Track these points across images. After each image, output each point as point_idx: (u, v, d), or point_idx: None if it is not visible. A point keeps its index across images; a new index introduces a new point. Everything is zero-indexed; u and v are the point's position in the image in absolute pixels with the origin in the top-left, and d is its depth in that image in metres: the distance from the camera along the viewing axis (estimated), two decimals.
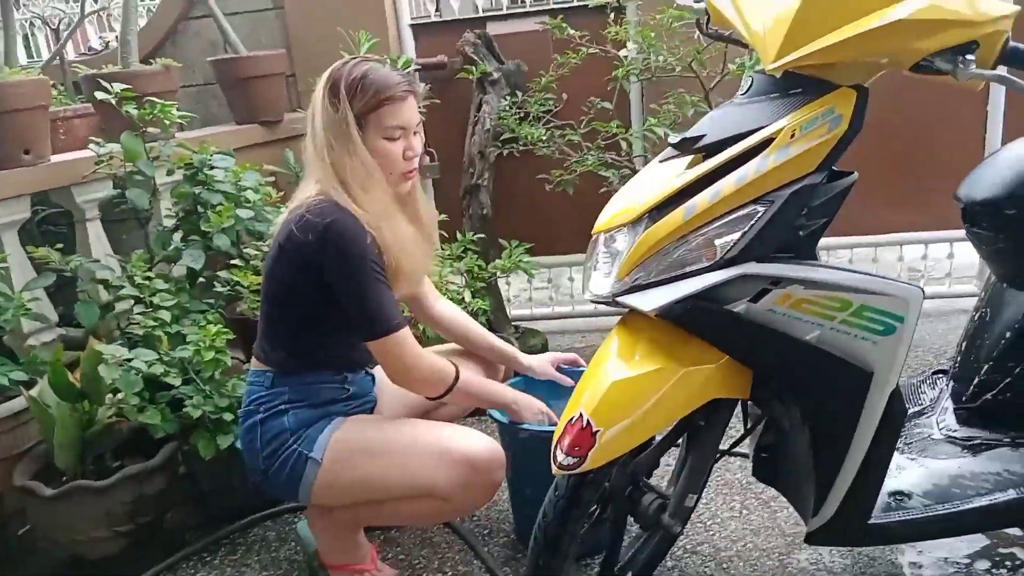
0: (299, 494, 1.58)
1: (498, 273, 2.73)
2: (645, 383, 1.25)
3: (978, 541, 1.66)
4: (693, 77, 2.63)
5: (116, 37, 3.20)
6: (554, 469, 1.27)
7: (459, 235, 2.74)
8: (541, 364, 1.86)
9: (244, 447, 1.62)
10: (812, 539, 1.40)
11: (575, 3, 3.01)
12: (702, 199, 1.21)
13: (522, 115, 2.89)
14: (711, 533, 1.81)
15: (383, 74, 1.56)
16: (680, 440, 1.58)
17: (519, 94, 2.95)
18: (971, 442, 1.50)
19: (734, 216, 1.20)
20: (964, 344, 1.60)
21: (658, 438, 1.55)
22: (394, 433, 1.59)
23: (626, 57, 2.63)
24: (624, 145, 2.74)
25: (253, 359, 1.66)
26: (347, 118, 1.53)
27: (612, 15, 2.68)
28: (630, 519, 1.45)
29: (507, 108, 2.91)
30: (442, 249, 2.59)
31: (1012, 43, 1.16)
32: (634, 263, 1.26)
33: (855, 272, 1.21)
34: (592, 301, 1.41)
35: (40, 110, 2.21)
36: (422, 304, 1.86)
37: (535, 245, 2.80)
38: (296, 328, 1.60)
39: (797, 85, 1.22)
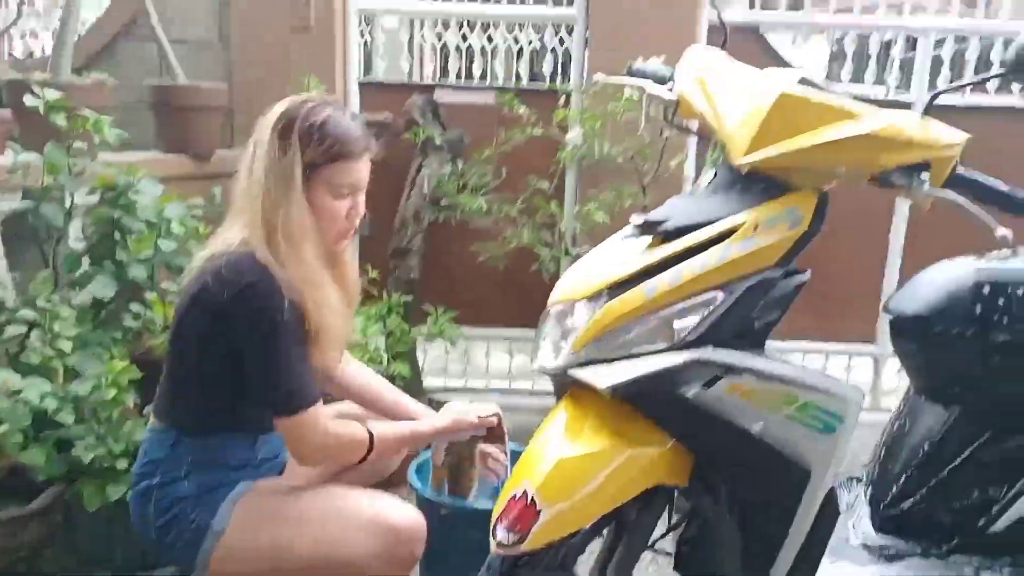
0: (196, 566, 1.44)
1: (422, 339, 2.68)
2: (592, 462, 1.22)
3: None
4: (630, 170, 2.72)
5: (43, 46, 3.04)
6: (493, 547, 1.21)
7: (385, 295, 2.68)
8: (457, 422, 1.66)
9: (135, 512, 1.48)
10: None
11: (524, 86, 3.10)
12: (662, 281, 1.22)
13: (461, 184, 2.90)
14: None
15: (344, 126, 1.44)
16: (606, 529, 1.56)
17: (459, 163, 2.96)
18: (886, 551, 1.54)
19: (694, 301, 1.22)
20: (883, 452, 1.66)
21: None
22: (309, 499, 1.47)
23: (572, 142, 2.70)
24: (562, 227, 2.78)
25: (152, 416, 1.52)
26: (293, 166, 1.39)
27: (563, 99, 2.76)
28: None
29: (447, 175, 2.91)
30: (365, 307, 2.52)
31: (960, 169, 1.25)
32: (590, 337, 1.25)
33: (803, 369, 1.24)
34: (542, 372, 1.39)
35: None
36: (335, 368, 1.66)
37: (457, 315, 2.78)
38: (204, 387, 1.46)
39: (760, 182, 1.27)
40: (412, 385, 2.77)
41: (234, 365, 1.41)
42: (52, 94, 1.99)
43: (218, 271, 1.37)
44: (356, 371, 1.74)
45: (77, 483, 1.68)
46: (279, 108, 1.43)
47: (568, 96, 2.83)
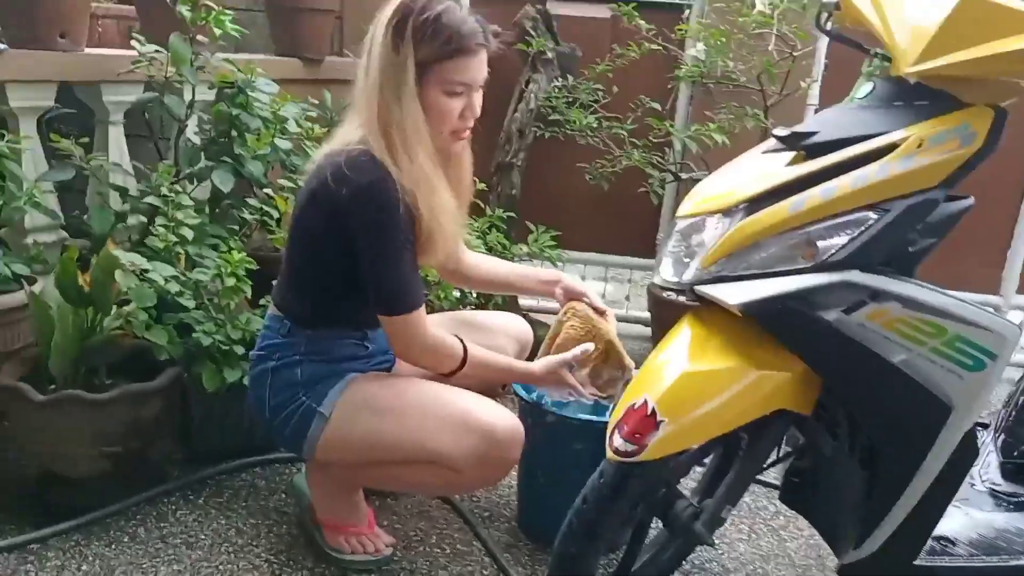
0: (303, 448, 1.49)
1: (522, 257, 2.65)
2: (718, 379, 1.18)
3: None
4: (751, 90, 2.58)
5: None
6: (608, 453, 1.19)
7: (487, 210, 2.65)
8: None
9: (252, 393, 1.54)
10: (848, 571, 1.34)
11: None
12: (812, 196, 1.14)
13: (570, 100, 2.81)
14: (720, 553, 1.74)
15: (458, 19, 1.38)
16: (712, 452, 1.53)
17: (569, 78, 2.87)
18: (1015, 499, 1.46)
19: (844, 219, 1.13)
20: (1020, 399, 1.56)
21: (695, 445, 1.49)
22: (411, 393, 1.49)
23: (692, 57, 2.56)
24: (674, 147, 2.68)
25: (271, 303, 1.57)
26: (407, 64, 1.36)
27: (687, 13, 2.61)
28: None
29: (556, 91, 2.83)
30: (471, 220, 2.50)
31: None
32: (723, 253, 1.19)
33: (955, 298, 1.15)
34: (662, 288, 1.34)
35: None
36: (450, 263, 1.71)
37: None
38: (319, 279, 1.50)
39: (924, 96, 1.16)
40: (509, 302, 2.77)
41: (347, 261, 1.42)
42: None
43: (338, 168, 1.36)
44: (477, 259, 1.79)
45: (195, 366, 1.74)
46: (394, 3, 1.39)
47: (690, 11, 2.67)
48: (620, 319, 3.18)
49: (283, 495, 1.82)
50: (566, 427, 1.62)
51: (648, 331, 2.95)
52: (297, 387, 1.48)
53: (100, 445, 1.62)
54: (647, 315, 2.97)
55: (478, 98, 1.46)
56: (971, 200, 1.19)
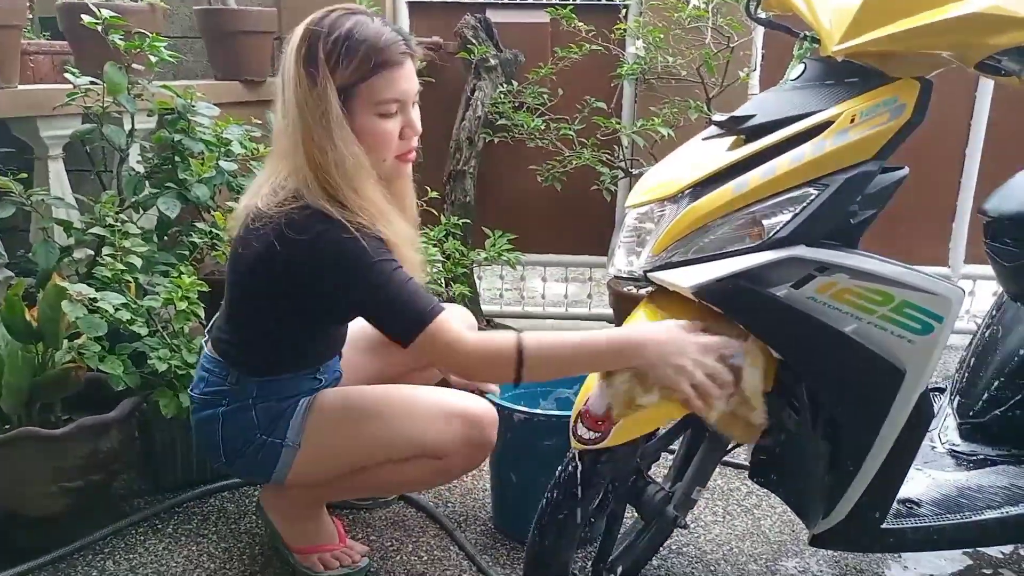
0: (271, 478, 1.45)
1: (480, 262, 2.66)
2: None
3: (961, 561, 1.66)
4: (694, 83, 2.63)
5: None
6: (573, 444, 1.20)
7: (442, 219, 2.66)
8: None
9: (201, 438, 1.46)
10: (819, 542, 1.36)
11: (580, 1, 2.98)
12: (753, 176, 1.17)
13: (516, 104, 2.83)
14: (696, 536, 1.76)
15: (373, 32, 1.25)
16: (681, 436, 1.55)
17: (514, 84, 2.89)
18: (974, 457, 1.50)
19: (786, 197, 1.16)
20: (972, 360, 1.60)
21: (662, 431, 1.51)
22: (380, 396, 1.46)
23: (632, 55, 2.60)
24: (622, 144, 2.71)
25: (211, 345, 1.47)
26: (327, 95, 1.22)
27: (623, 13, 2.65)
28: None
29: (502, 96, 2.85)
30: (424, 229, 2.50)
31: None
32: (673, 238, 1.21)
33: (900, 266, 1.18)
34: (617, 278, 1.36)
35: (14, 30, 2.04)
36: None
37: (513, 240, 2.74)
38: (271, 335, 1.41)
39: (854, 74, 1.20)
40: (472, 307, 2.77)
41: (311, 312, 1.37)
42: (108, 12, 1.97)
43: (280, 233, 1.25)
44: None
45: (153, 394, 1.71)
46: (299, 31, 1.27)
47: (627, 10, 2.72)
48: (583, 317, 3.22)
49: (254, 517, 1.79)
50: (534, 425, 1.62)
51: (611, 327, 2.97)
52: (254, 430, 1.41)
53: (60, 481, 1.58)
54: (610, 312, 3.00)
55: (416, 113, 1.35)
56: (906, 170, 1.22)
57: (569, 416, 1.24)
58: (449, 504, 1.87)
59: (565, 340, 1.24)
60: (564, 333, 1.27)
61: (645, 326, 1.25)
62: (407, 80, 1.30)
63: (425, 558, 1.66)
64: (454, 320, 1.27)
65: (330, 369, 1.56)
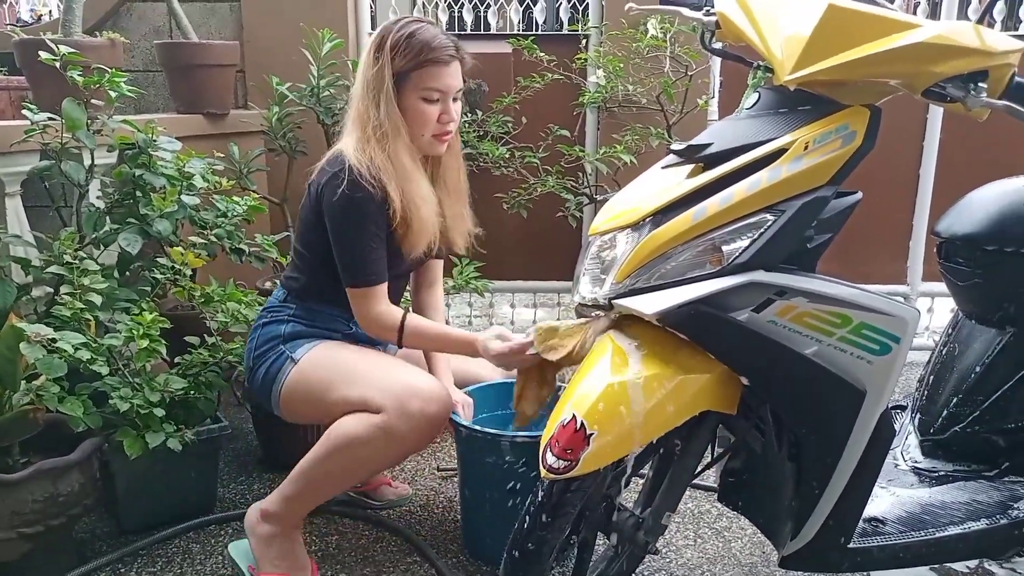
0: (271, 393, 1.67)
1: (448, 291, 2.65)
2: (641, 388, 1.20)
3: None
4: (655, 111, 2.67)
5: (51, 11, 2.99)
6: (543, 472, 1.20)
7: None
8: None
9: (247, 346, 1.77)
10: (788, 563, 1.37)
11: (540, 32, 3.03)
12: (712, 203, 1.19)
13: (481, 133, 2.85)
14: (668, 560, 1.76)
15: (430, 35, 1.60)
16: (649, 462, 1.56)
17: (479, 113, 2.92)
18: (936, 473, 1.52)
19: (743, 223, 1.18)
20: (931, 378, 1.63)
21: (631, 457, 1.51)
22: (362, 355, 1.67)
23: (593, 83, 2.64)
24: (586, 171, 2.74)
25: (279, 283, 1.81)
26: (384, 73, 1.58)
27: (584, 43, 2.70)
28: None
29: (466, 125, 2.87)
30: None
31: (1018, 78, 1.20)
32: (635, 266, 1.23)
33: (857, 288, 1.21)
34: (582, 305, 1.37)
35: None
36: (417, 281, 1.93)
37: (481, 268, 2.75)
38: (311, 260, 1.71)
39: (806, 102, 1.23)
40: None
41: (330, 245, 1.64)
42: (67, 48, 1.95)
43: (322, 168, 1.65)
44: (427, 297, 1.94)
45: (115, 434, 1.67)
46: (378, 30, 1.65)
47: (587, 40, 2.76)
48: None
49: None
50: (476, 441, 1.66)
51: None
52: (279, 339, 1.70)
53: (19, 526, 1.53)
54: None
55: (456, 107, 1.67)
56: (859, 195, 1.25)
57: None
58: (421, 534, 1.85)
59: (433, 327, 1.71)
60: (440, 325, 1.78)
61: (479, 334, 1.64)
62: (450, 77, 1.63)
63: None
64: (381, 294, 1.64)
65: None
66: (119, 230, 1.99)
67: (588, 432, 1.17)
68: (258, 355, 1.71)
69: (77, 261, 1.81)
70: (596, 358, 1.28)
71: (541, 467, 1.20)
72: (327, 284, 1.69)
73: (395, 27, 1.62)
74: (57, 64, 1.92)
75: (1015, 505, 1.42)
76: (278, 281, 1.80)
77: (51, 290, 1.98)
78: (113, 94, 2.00)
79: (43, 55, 1.92)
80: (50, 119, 1.96)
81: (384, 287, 1.65)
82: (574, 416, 1.18)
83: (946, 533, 1.35)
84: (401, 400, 1.51)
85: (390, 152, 1.60)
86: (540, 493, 1.25)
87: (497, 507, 1.67)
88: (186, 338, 1.97)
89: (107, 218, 2.05)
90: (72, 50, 1.96)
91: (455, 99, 1.66)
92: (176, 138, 2.19)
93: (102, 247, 2.02)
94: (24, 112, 1.99)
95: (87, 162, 2.02)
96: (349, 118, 1.67)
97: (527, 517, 1.26)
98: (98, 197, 2.19)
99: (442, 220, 1.74)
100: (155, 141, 2.09)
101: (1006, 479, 1.47)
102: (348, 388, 1.57)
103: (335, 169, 1.59)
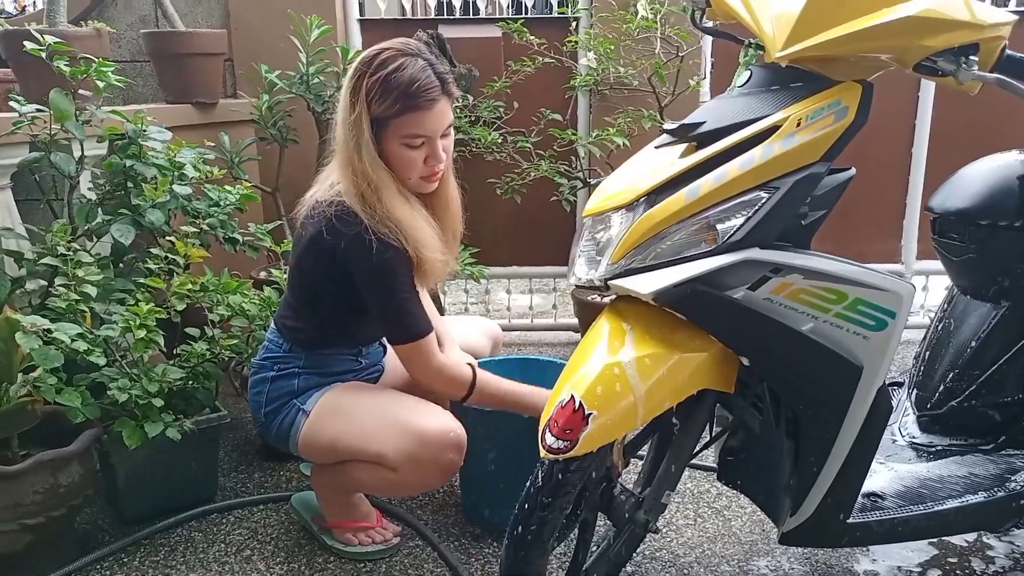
0: (289, 443, 1.64)
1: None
2: (639, 367, 1.20)
3: (927, 551, 1.69)
4: (646, 92, 2.66)
5: (35, 1, 2.96)
6: (543, 453, 1.21)
7: None
8: None
9: (250, 397, 1.70)
10: (788, 539, 1.38)
11: (531, 15, 3.02)
12: (706, 182, 1.19)
13: (473, 119, 2.84)
14: (668, 540, 1.77)
15: (408, 76, 1.46)
16: (649, 441, 1.56)
17: (470, 98, 2.90)
18: (933, 448, 1.53)
19: (737, 201, 1.18)
20: (927, 354, 1.64)
21: (629, 437, 1.52)
22: (368, 400, 1.63)
23: (584, 66, 2.63)
24: (579, 154, 2.73)
25: (273, 324, 1.72)
26: (361, 122, 1.47)
27: (574, 25, 2.68)
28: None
29: (458, 111, 2.85)
30: None
31: (1008, 51, 1.20)
32: (630, 246, 1.23)
33: (852, 264, 1.21)
34: (578, 287, 1.37)
35: None
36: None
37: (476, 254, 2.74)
38: (318, 312, 1.63)
39: (798, 79, 1.23)
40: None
41: (345, 296, 1.56)
42: (52, 38, 1.93)
43: (330, 221, 1.50)
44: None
45: (114, 424, 1.67)
46: (356, 64, 1.50)
47: (578, 23, 2.75)
48: (549, 328, 3.23)
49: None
50: (463, 410, 1.69)
51: (577, 336, 2.99)
52: (292, 395, 1.64)
53: (20, 518, 1.53)
54: (575, 321, 3.01)
55: (446, 142, 1.54)
56: (853, 171, 1.25)
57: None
58: (422, 520, 1.86)
59: (503, 384, 1.62)
60: (504, 384, 1.63)
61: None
62: (433, 120, 1.49)
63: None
64: (434, 343, 1.57)
65: (372, 355, 1.77)
66: (111, 221, 1.98)
67: (587, 412, 1.17)
68: (271, 410, 1.65)
69: (71, 253, 1.80)
70: (594, 338, 1.28)
71: (540, 448, 1.20)
72: (334, 331, 1.66)
73: (372, 65, 1.46)
74: (43, 54, 1.91)
75: (1012, 478, 1.44)
76: (273, 322, 1.73)
77: (45, 283, 1.97)
78: (101, 84, 1.99)
79: (29, 45, 1.90)
80: (38, 111, 1.95)
81: (435, 335, 1.59)
82: (572, 396, 1.18)
83: (944, 507, 1.37)
84: (414, 458, 1.51)
85: (387, 205, 1.50)
86: (540, 474, 1.25)
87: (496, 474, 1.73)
88: (186, 330, 1.96)
89: (99, 209, 2.05)
90: (58, 40, 1.94)
91: (444, 135, 1.54)
92: (166, 128, 2.18)
93: (95, 238, 2.02)
94: (11, 104, 1.97)
95: (77, 153, 2.01)
96: (337, 159, 1.54)
97: (527, 498, 1.26)
98: (89, 188, 2.18)
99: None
100: (145, 131, 2.08)
101: (1003, 452, 1.48)
102: (361, 442, 1.55)
103: (354, 230, 1.48)
